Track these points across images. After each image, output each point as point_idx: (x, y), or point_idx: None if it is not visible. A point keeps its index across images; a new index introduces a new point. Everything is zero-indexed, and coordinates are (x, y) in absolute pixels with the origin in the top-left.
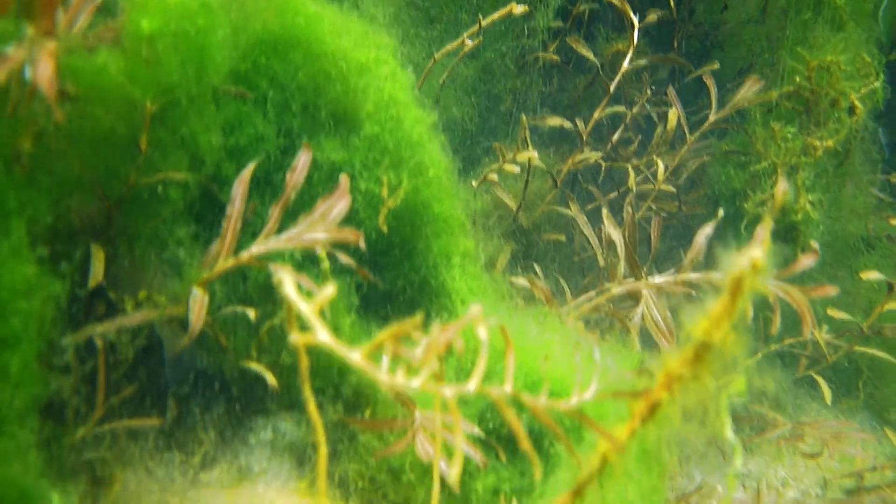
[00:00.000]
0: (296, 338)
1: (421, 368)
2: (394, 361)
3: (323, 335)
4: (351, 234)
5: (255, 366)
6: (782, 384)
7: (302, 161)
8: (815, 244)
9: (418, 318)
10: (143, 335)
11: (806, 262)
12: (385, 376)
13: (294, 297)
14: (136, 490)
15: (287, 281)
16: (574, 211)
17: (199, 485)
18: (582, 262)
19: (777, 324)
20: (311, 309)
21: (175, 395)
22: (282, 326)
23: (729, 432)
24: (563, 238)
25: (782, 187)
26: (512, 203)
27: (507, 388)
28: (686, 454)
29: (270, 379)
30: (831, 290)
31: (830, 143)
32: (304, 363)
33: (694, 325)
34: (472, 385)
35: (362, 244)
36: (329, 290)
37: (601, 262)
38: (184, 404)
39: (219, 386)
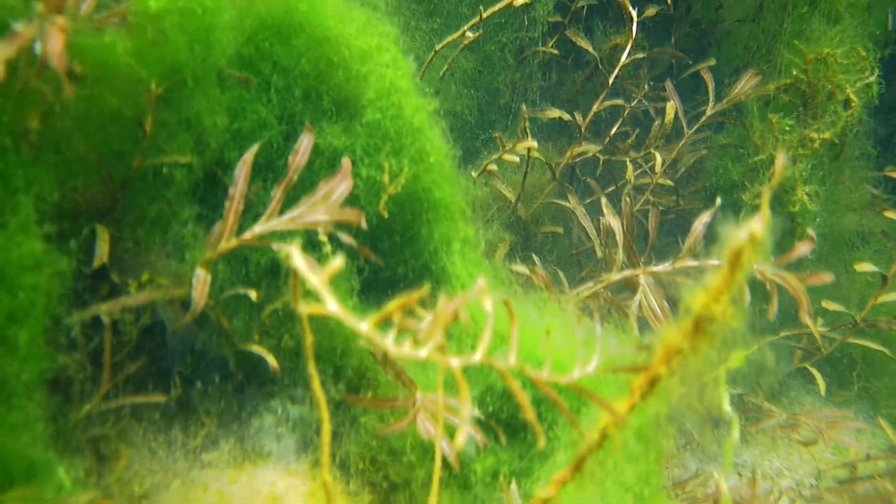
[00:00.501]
0: (304, 308)
1: (427, 340)
2: (400, 335)
3: (332, 305)
4: (352, 215)
5: (257, 348)
6: (778, 374)
7: (304, 143)
8: (811, 232)
9: (425, 289)
10: (146, 316)
11: (803, 248)
12: (392, 346)
13: (303, 268)
14: (139, 469)
15: (295, 253)
16: (573, 203)
17: (201, 465)
18: (579, 255)
19: (774, 308)
20: (319, 280)
21: (179, 375)
22: (284, 310)
23: (727, 405)
24: (560, 230)
25: (782, 161)
26: (511, 195)
27: (512, 359)
28: (681, 444)
29: (272, 361)
30: (826, 277)
31: (827, 135)
32: (309, 340)
33: (693, 298)
34: (478, 355)
35: (363, 224)
36: (338, 261)
37: (599, 254)
38: (186, 386)
39: (221, 369)
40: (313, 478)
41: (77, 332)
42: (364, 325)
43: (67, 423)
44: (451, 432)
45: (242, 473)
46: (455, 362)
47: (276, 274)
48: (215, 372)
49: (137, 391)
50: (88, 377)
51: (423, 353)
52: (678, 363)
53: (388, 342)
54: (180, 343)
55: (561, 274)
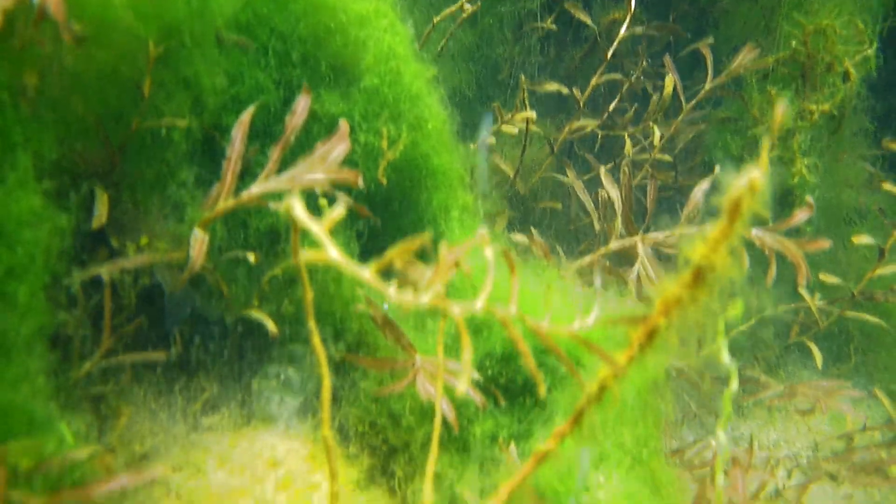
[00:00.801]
0: (304, 255)
1: (429, 288)
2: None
3: (332, 252)
4: (350, 175)
5: (256, 314)
6: (776, 348)
7: (301, 104)
8: (810, 199)
9: (426, 235)
10: (145, 278)
11: (801, 215)
12: (394, 293)
13: (303, 217)
14: (139, 430)
15: (295, 202)
16: (571, 177)
17: (201, 429)
18: (577, 230)
19: (773, 273)
20: (320, 228)
21: (179, 336)
22: (283, 277)
23: (726, 356)
24: (559, 206)
25: (781, 108)
26: (509, 170)
27: (513, 308)
28: (679, 418)
29: (271, 326)
30: (825, 244)
31: (826, 106)
32: (309, 295)
33: (692, 249)
34: (479, 303)
35: (361, 183)
36: (338, 209)
37: (597, 228)
38: (186, 351)
39: (221, 334)
40: (314, 441)
41: (77, 290)
42: (365, 272)
43: (68, 380)
44: (450, 395)
45: (243, 437)
46: (456, 310)
47: (275, 240)
48: (215, 338)
49: (138, 355)
50: (88, 335)
51: (425, 299)
52: (677, 314)
53: (390, 289)
54: (178, 307)
55: (559, 248)
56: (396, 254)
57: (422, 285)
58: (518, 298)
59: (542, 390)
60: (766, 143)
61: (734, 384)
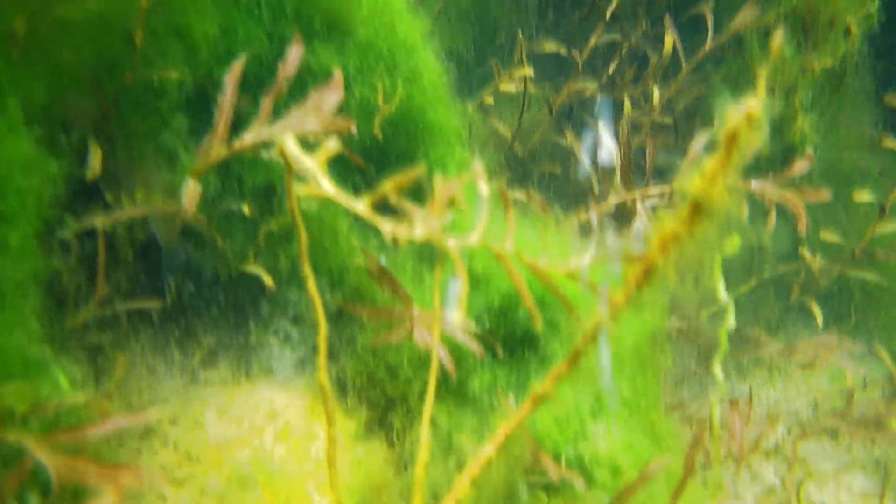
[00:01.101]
0: (300, 190)
1: (423, 222)
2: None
3: (327, 186)
4: (344, 123)
5: (253, 268)
6: (776, 310)
7: (293, 53)
8: (809, 151)
9: (420, 167)
10: (141, 231)
11: (801, 165)
12: (388, 225)
13: (297, 153)
14: (137, 384)
15: (289, 139)
16: (570, 139)
17: (200, 382)
18: (577, 194)
19: (772, 222)
20: (313, 163)
21: (177, 288)
22: (279, 233)
23: (722, 291)
24: (557, 170)
25: (779, 37)
26: (507, 132)
27: (509, 245)
28: (678, 376)
29: (267, 280)
30: (825, 194)
31: (828, 61)
32: (304, 239)
33: (689, 182)
34: (474, 237)
35: (354, 131)
36: (331, 144)
37: (596, 189)
38: (184, 306)
39: (219, 289)
40: (312, 394)
41: (71, 239)
42: (360, 205)
43: (64, 328)
44: (449, 346)
45: (241, 390)
46: (452, 243)
47: (270, 195)
48: (213, 292)
49: (135, 311)
50: (83, 285)
51: (419, 232)
52: (674, 251)
53: (385, 223)
54: (173, 258)
55: (558, 207)
56: (390, 186)
57: (417, 222)
58: (516, 244)
59: (539, 326)
60: (762, 74)
61: (731, 319)
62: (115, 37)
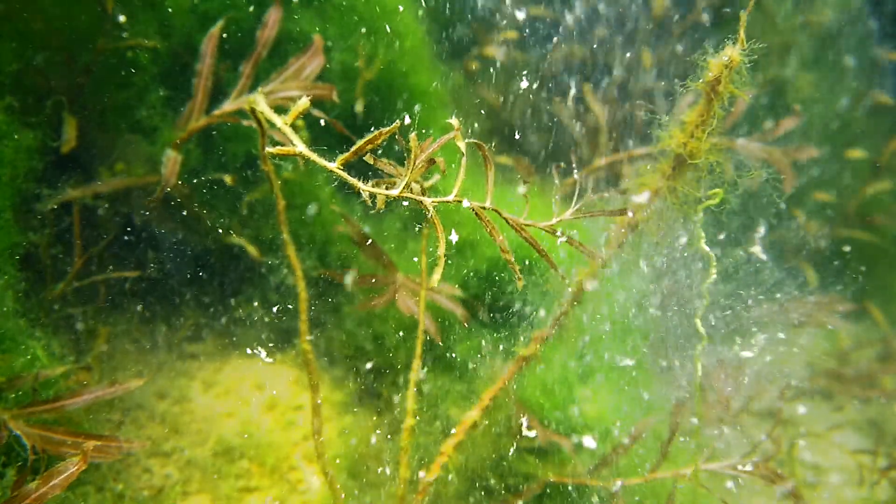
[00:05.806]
0: (272, 150)
1: (402, 181)
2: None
3: (300, 146)
4: (325, 90)
5: (236, 239)
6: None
7: (272, 17)
8: (797, 108)
9: (395, 124)
10: (123, 205)
11: (789, 123)
12: (364, 186)
13: (268, 112)
14: (122, 360)
15: (259, 99)
16: (557, 105)
17: (186, 356)
18: (563, 160)
19: (760, 176)
20: (284, 122)
21: (160, 263)
22: (263, 206)
23: (704, 245)
24: (545, 136)
25: None
26: (494, 97)
27: (488, 202)
28: (668, 341)
29: (251, 251)
30: (812, 152)
31: (827, 14)
32: (281, 204)
33: (669, 136)
34: (452, 195)
35: (335, 97)
36: (304, 100)
37: (584, 153)
38: (168, 280)
39: (202, 264)
40: (298, 366)
41: (47, 212)
42: (332, 164)
43: (42, 301)
44: (434, 313)
45: (227, 363)
46: (429, 201)
47: (253, 166)
48: (196, 265)
49: (115, 287)
50: (61, 257)
51: (395, 191)
52: (656, 206)
53: (361, 183)
54: (155, 231)
55: (545, 170)
56: (365, 143)
57: (397, 174)
58: (499, 204)
59: (521, 284)
60: (743, 18)
61: (713, 272)
62: (87, 6)
